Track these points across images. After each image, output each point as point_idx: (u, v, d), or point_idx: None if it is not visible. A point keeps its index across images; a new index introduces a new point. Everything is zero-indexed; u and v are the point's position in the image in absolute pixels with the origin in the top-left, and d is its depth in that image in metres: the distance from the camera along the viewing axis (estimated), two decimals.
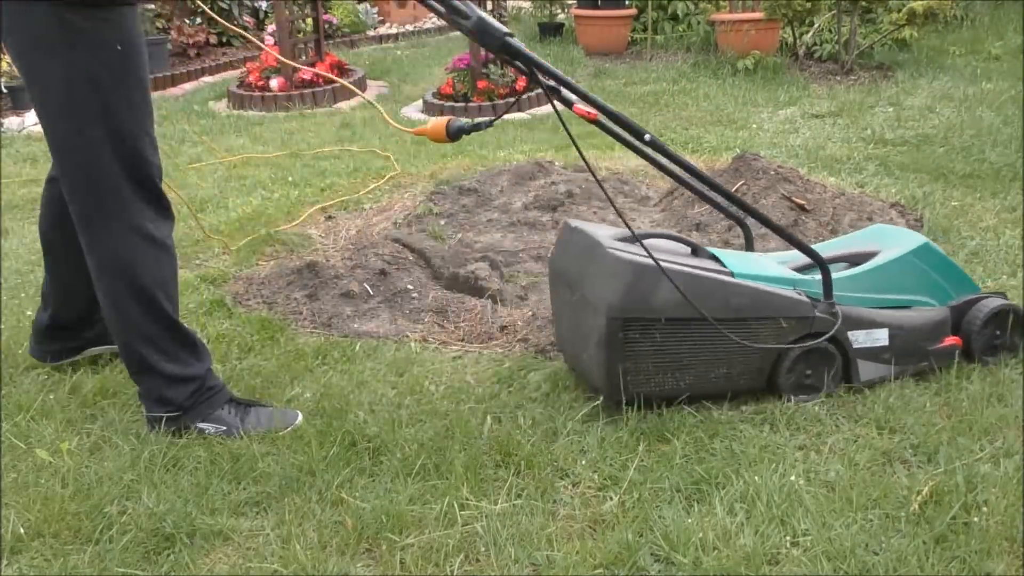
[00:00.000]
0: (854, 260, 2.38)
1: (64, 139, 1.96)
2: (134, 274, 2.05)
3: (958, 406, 2.14)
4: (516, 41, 1.91)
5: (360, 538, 1.76)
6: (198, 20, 8.28)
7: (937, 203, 3.61)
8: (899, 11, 6.67)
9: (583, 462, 1.98)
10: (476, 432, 2.10)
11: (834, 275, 2.20)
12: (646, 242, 2.10)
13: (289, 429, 2.14)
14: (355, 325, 2.76)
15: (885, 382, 2.24)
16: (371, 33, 9.63)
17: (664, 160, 2.08)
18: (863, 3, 6.69)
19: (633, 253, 2.06)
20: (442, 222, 3.63)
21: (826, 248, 2.45)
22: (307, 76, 6.38)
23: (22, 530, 1.79)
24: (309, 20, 6.80)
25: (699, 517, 1.78)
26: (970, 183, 3.90)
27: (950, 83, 6.17)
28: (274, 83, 6.33)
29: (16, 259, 3.39)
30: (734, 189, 3.43)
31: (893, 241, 2.41)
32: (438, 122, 2.06)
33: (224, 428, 2.13)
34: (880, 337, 2.21)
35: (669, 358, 2.09)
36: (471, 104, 5.73)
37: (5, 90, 6.15)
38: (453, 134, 2.04)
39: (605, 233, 2.21)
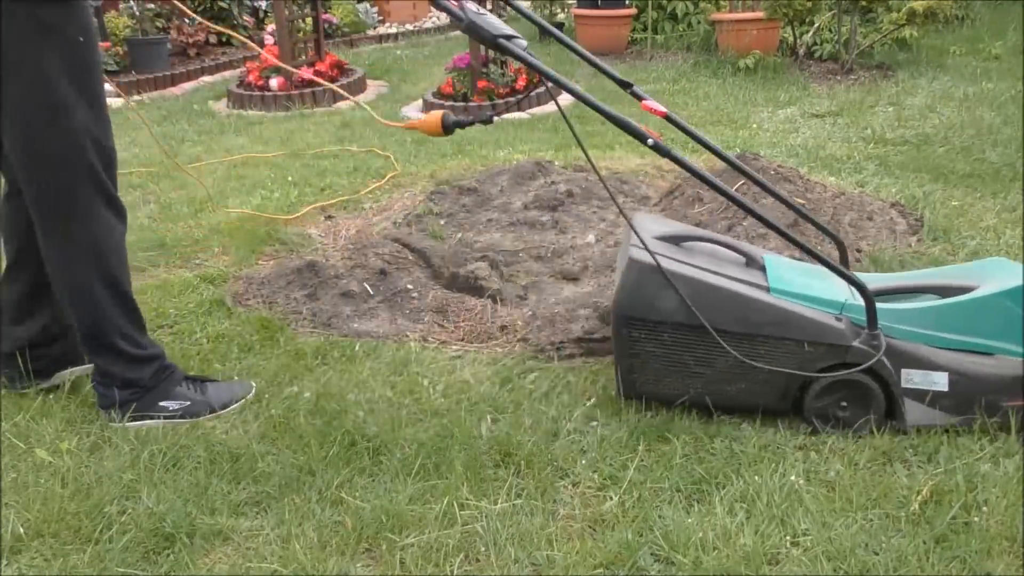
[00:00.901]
0: (946, 292, 2.16)
1: (40, 133, 1.98)
2: (108, 263, 2.11)
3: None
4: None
5: (360, 538, 1.76)
6: (197, 20, 8.28)
7: (937, 203, 3.61)
8: (899, 11, 6.67)
9: (583, 462, 1.98)
10: (476, 432, 2.10)
11: (901, 305, 2.08)
12: (694, 245, 2.10)
13: (244, 400, 2.25)
14: (355, 325, 2.76)
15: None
16: (371, 33, 9.63)
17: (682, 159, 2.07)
18: (863, 3, 6.69)
19: (642, 253, 2.04)
20: (442, 222, 3.63)
21: (927, 275, 2.30)
22: (307, 76, 6.39)
23: (22, 530, 1.79)
24: (309, 20, 6.79)
25: (699, 517, 1.78)
26: (970, 183, 3.90)
27: (950, 83, 6.17)
28: (274, 83, 6.33)
29: None
30: (735, 188, 3.43)
31: (997, 277, 2.14)
32: (432, 115, 2.04)
33: (188, 403, 2.20)
34: (939, 381, 2.02)
35: (678, 363, 2.07)
36: (471, 103, 5.72)
37: None
38: (448, 127, 2.02)
39: (650, 228, 2.18)
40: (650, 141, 1.97)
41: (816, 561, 1.64)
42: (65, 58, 1.96)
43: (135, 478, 1.96)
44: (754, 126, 5.24)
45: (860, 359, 2.00)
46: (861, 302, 2.03)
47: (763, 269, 2.13)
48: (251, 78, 6.46)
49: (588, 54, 2.32)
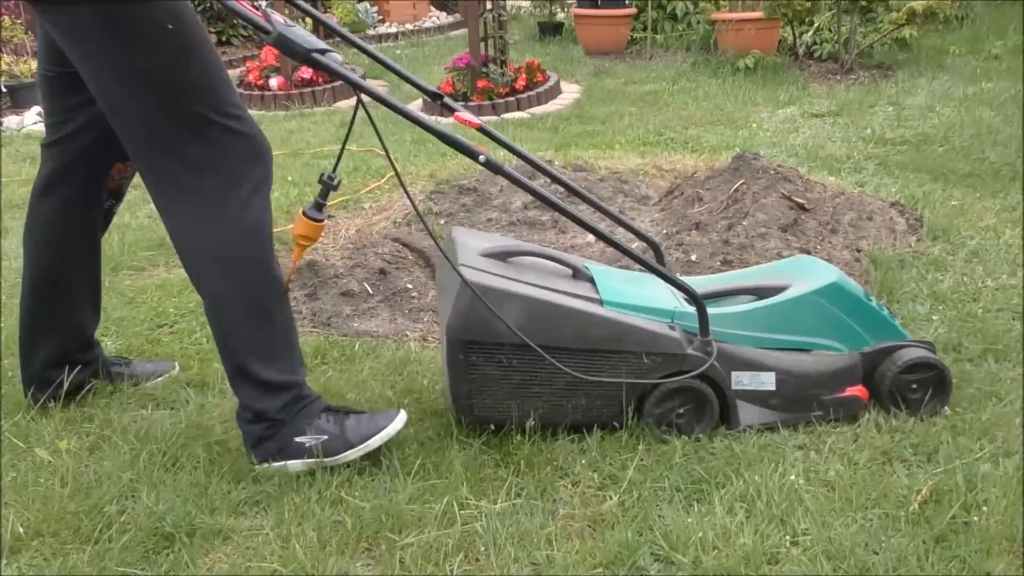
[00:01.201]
0: (761, 293, 2.19)
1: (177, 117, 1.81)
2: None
3: (958, 405, 2.14)
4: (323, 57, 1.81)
5: (360, 537, 1.76)
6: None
7: (937, 202, 3.61)
8: (899, 10, 6.68)
9: (583, 462, 1.98)
10: (475, 431, 2.09)
11: (725, 310, 2.09)
12: (520, 260, 2.03)
13: (387, 432, 1.96)
14: (355, 324, 2.76)
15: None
16: (371, 32, 9.63)
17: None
18: (863, 3, 6.69)
19: (484, 272, 1.95)
20: (442, 221, 3.63)
21: (739, 277, 2.33)
22: (307, 75, 6.37)
23: (21, 529, 1.79)
24: (309, 20, 6.79)
25: (699, 517, 1.78)
26: (970, 182, 3.90)
27: (950, 82, 6.17)
28: (273, 82, 6.33)
29: (16, 258, 3.38)
30: (733, 189, 3.43)
31: (806, 275, 2.21)
32: (298, 218, 1.97)
33: (325, 437, 1.94)
34: (767, 381, 2.05)
35: (518, 385, 1.98)
36: (470, 103, 5.72)
37: (4, 89, 6.15)
38: (312, 215, 1.95)
39: (475, 245, 2.08)
40: (481, 158, 1.90)
41: (816, 561, 1.64)
42: (154, 55, 1.84)
43: (135, 478, 1.95)
44: (754, 126, 5.24)
45: (694, 366, 2.01)
46: (689, 308, 2.05)
47: (591, 280, 2.09)
48: (251, 78, 6.46)
49: (392, 63, 2.21)
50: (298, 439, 1.94)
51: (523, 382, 1.98)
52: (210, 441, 2.09)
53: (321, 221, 1.97)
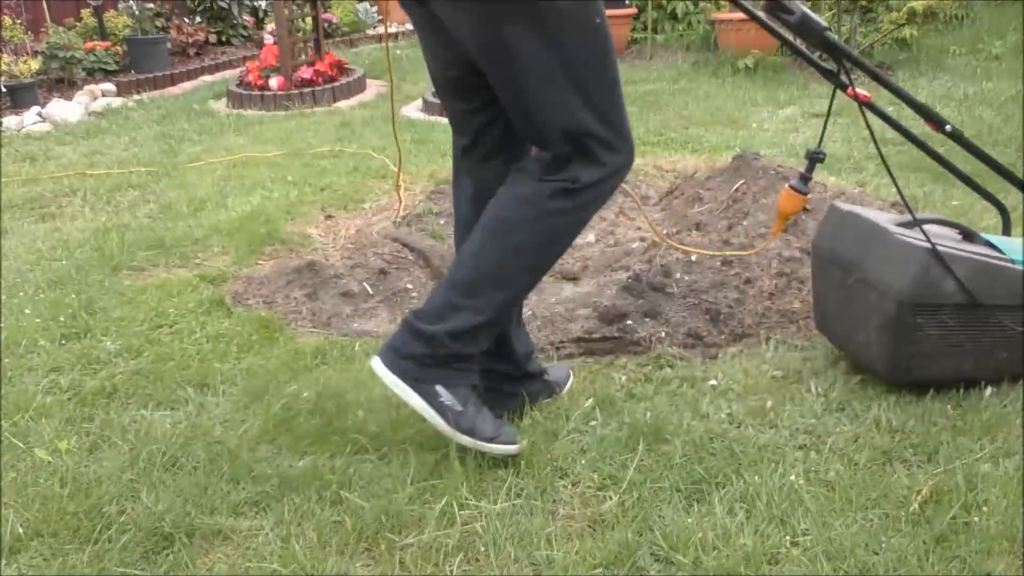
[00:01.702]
0: None
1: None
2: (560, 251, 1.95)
3: (959, 405, 2.14)
4: (832, 35, 1.99)
5: (359, 538, 1.76)
6: (197, 19, 8.28)
7: (937, 203, 3.61)
8: (899, 10, 6.67)
9: (583, 462, 1.97)
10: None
11: None
12: (928, 227, 2.14)
13: (499, 448, 1.93)
14: (355, 324, 2.75)
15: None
16: (371, 32, 9.62)
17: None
18: (863, 2, 6.69)
19: (921, 240, 2.09)
20: (442, 221, 3.63)
21: None
22: (307, 75, 6.37)
23: (21, 530, 1.79)
24: (308, 19, 6.79)
25: (699, 517, 1.77)
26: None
27: (950, 82, 6.16)
28: (273, 82, 6.33)
29: (15, 258, 3.39)
30: (734, 189, 3.43)
31: None
32: (784, 193, 2.12)
33: (461, 409, 1.89)
34: None
35: (953, 343, 2.11)
36: None
37: (4, 89, 6.15)
38: (799, 188, 2.12)
39: (885, 218, 2.25)
40: (948, 127, 2.15)
41: (816, 561, 1.64)
42: (587, 43, 1.90)
43: (134, 478, 1.95)
44: (754, 126, 5.24)
45: None
46: None
47: (989, 244, 2.22)
48: (251, 78, 6.46)
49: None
50: (438, 387, 1.89)
51: (957, 341, 2.11)
52: (210, 441, 2.09)
53: (806, 195, 2.13)
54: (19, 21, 6.99)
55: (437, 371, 1.88)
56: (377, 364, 1.89)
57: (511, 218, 1.87)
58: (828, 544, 1.68)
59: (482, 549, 1.72)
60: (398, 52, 8.37)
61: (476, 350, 1.91)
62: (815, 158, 2.13)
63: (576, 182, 1.80)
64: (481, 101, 1.93)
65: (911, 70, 6.60)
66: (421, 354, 1.87)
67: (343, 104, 6.23)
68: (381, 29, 9.75)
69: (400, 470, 1.95)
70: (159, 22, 7.72)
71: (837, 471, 1.90)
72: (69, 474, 1.95)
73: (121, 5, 7.66)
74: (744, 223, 3.14)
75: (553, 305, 2.81)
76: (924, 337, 2.09)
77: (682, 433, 2.05)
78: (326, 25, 8.33)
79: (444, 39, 1.85)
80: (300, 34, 6.67)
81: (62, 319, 2.78)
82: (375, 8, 10.10)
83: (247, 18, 8.70)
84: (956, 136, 2.15)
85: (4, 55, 6.37)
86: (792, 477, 1.87)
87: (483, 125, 1.97)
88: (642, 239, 3.32)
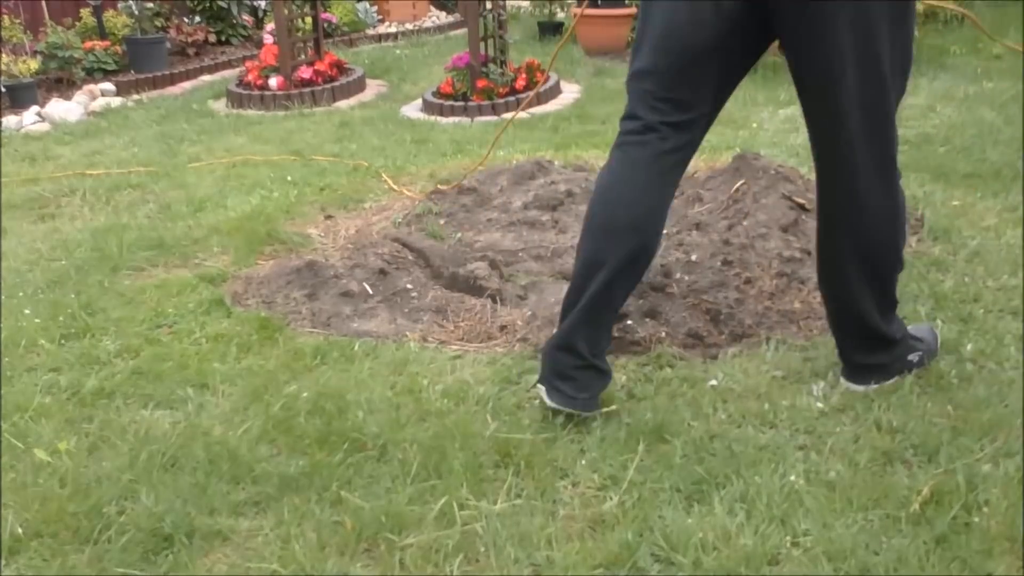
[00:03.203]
0: None
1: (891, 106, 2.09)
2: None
3: (959, 405, 2.14)
4: None
5: (359, 538, 1.75)
6: (197, 19, 8.27)
7: (938, 202, 3.61)
8: None
9: (583, 462, 1.97)
10: (475, 432, 2.09)
11: None
12: None
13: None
14: (354, 325, 2.75)
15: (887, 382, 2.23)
16: (370, 32, 9.62)
17: None
18: None
19: None
20: (441, 221, 3.63)
21: None
22: (306, 75, 6.37)
23: (20, 530, 1.79)
24: (308, 19, 6.79)
25: (699, 517, 1.77)
26: (971, 182, 3.89)
27: (951, 82, 6.16)
28: (273, 82, 6.32)
29: (15, 258, 3.38)
30: (734, 189, 3.42)
31: None
32: None
33: (920, 353, 2.26)
34: None
35: None
36: (471, 103, 5.72)
37: (4, 89, 6.14)
38: None
39: None
40: None
41: (816, 561, 1.64)
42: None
43: (134, 478, 1.95)
44: (754, 126, 5.23)
45: None
46: None
47: None
48: (250, 77, 6.46)
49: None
50: (909, 357, 2.23)
51: None
52: (210, 441, 2.09)
53: None
54: (18, 21, 6.98)
55: (901, 348, 2.28)
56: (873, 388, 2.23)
57: None
58: (828, 544, 1.68)
59: (482, 549, 1.72)
60: (397, 51, 8.37)
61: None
62: None
63: None
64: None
65: (911, 69, 6.59)
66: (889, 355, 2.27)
67: (343, 104, 6.22)
68: (381, 29, 9.75)
69: (400, 470, 1.95)
70: (158, 22, 7.71)
71: (837, 471, 1.90)
72: (69, 474, 1.95)
73: (120, 5, 7.64)
74: (744, 223, 3.14)
75: (553, 305, 2.80)
76: None
77: (682, 433, 2.05)
78: (326, 25, 8.33)
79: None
80: (300, 34, 6.66)
81: (61, 319, 2.78)
82: (375, 8, 10.10)
83: (247, 18, 8.69)
84: None
85: (3, 55, 6.36)
86: (792, 477, 1.87)
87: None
88: None
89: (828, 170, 2.13)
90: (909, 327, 2.33)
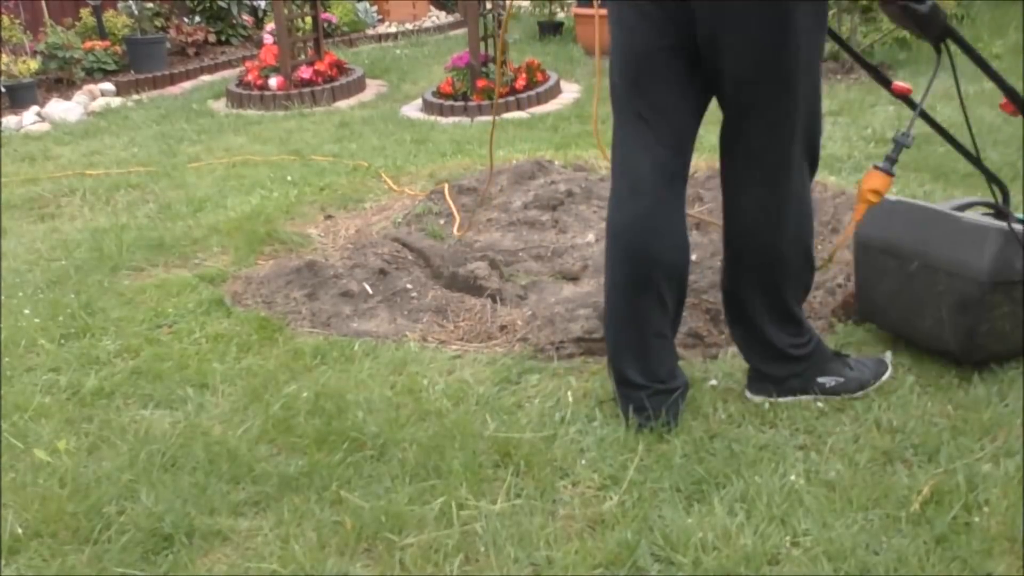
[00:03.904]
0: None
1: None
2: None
3: (959, 405, 2.14)
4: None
5: (359, 538, 1.75)
6: (197, 19, 8.27)
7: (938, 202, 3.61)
8: None
9: (583, 462, 1.97)
10: (475, 432, 2.09)
11: None
12: (975, 210, 2.22)
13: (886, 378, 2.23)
14: (354, 324, 2.75)
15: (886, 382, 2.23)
16: (370, 32, 9.62)
17: None
18: (863, 2, 6.68)
19: (990, 221, 2.18)
20: (441, 221, 3.63)
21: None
22: (306, 75, 6.37)
23: (20, 530, 1.79)
24: (308, 19, 6.78)
25: (699, 517, 1.77)
26: (971, 182, 3.89)
27: (950, 81, 6.16)
28: (273, 82, 6.32)
29: (14, 259, 3.38)
30: None
31: None
32: (869, 173, 2.13)
33: (842, 379, 2.18)
34: None
35: (1021, 318, 2.19)
36: (471, 103, 5.72)
37: (3, 89, 6.14)
38: (885, 168, 2.13)
39: (942, 205, 2.37)
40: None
41: (816, 561, 1.64)
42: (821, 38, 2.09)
43: (134, 478, 1.95)
44: None
45: None
46: None
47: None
48: (250, 77, 6.45)
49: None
50: (820, 379, 2.16)
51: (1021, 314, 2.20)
52: (209, 441, 2.09)
53: (892, 176, 2.14)
54: (18, 21, 6.98)
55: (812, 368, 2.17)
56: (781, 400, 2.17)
57: None
58: (828, 544, 1.68)
59: (482, 549, 1.72)
60: (397, 51, 8.37)
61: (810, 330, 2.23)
62: (901, 143, 2.20)
63: None
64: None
65: (911, 69, 6.59)
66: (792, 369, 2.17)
67: (342, 104, 6.22)
68: (381, 29, 9.75)
69: (400, 470, 1.95)
70: (158, 22, 7.71)
71: (837, 471, 1.90)
72: (68, 474, 1.95)
73: (120, 5, 7.64)
74: None
75: (553, 305, 2.80)
76: (999, 315, 2.16)
77: (682, 433, 2.05)
78: (326, 25, 8.33)
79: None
80: (300, 34, 6.66)
81: (61, 319, 2.78)
82: (375, 8, 10.10)
83: (246, 18, 8.68)
84: None
85: (3, 55, 6.36)
86: (792, 477, 1.87)
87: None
88: None
89: (728, 166, 2.22)
90: (855, 355, 2.28)
